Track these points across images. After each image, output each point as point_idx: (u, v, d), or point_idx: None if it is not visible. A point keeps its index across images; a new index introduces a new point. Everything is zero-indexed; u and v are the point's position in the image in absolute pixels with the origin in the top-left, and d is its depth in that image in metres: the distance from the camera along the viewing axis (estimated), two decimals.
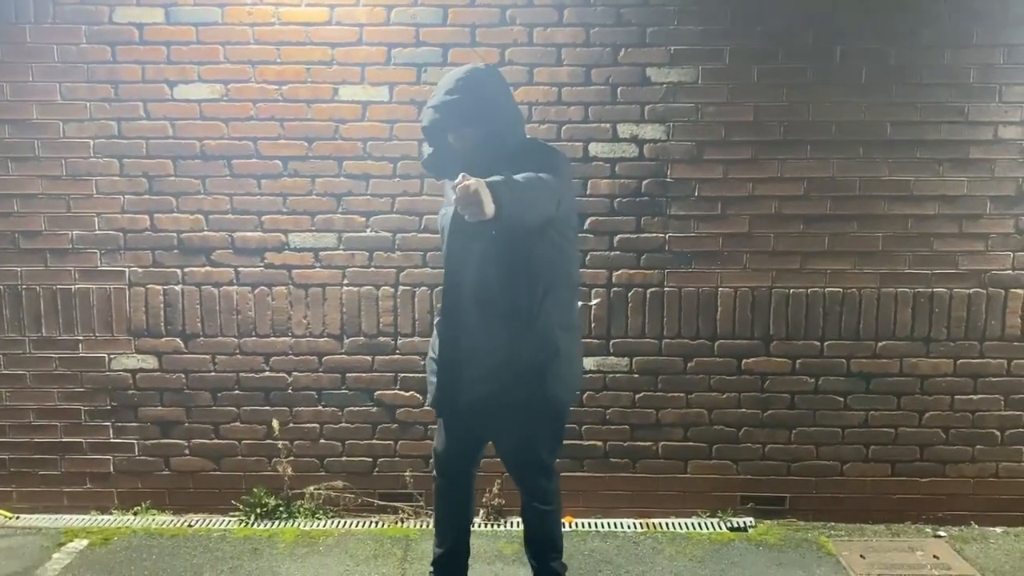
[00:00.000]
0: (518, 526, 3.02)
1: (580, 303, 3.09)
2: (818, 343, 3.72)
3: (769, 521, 3.78)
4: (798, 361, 3.72)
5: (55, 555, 3.47)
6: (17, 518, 3.82)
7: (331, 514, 3.82)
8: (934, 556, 3.49)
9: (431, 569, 3.03)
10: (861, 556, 3.48)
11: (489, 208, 2.20)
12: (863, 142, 3.63)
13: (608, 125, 3.64)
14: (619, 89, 3.62)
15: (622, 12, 3.58)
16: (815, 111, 3.62)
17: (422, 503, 3.78)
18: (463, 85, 2.61)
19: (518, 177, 2.42)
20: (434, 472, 3.01)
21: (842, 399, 3.74)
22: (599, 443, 3.79)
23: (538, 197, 2.46)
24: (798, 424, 3.76)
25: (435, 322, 2.88)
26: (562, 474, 3.62)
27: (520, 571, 3.17)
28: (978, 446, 3.76)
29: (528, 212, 2.41)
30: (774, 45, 3.59)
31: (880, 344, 3.71)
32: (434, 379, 2.80)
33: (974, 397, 3.73)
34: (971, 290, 3.68)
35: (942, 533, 3.72)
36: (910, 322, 3.70)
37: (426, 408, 3.04)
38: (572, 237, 2.77)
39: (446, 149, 2.71)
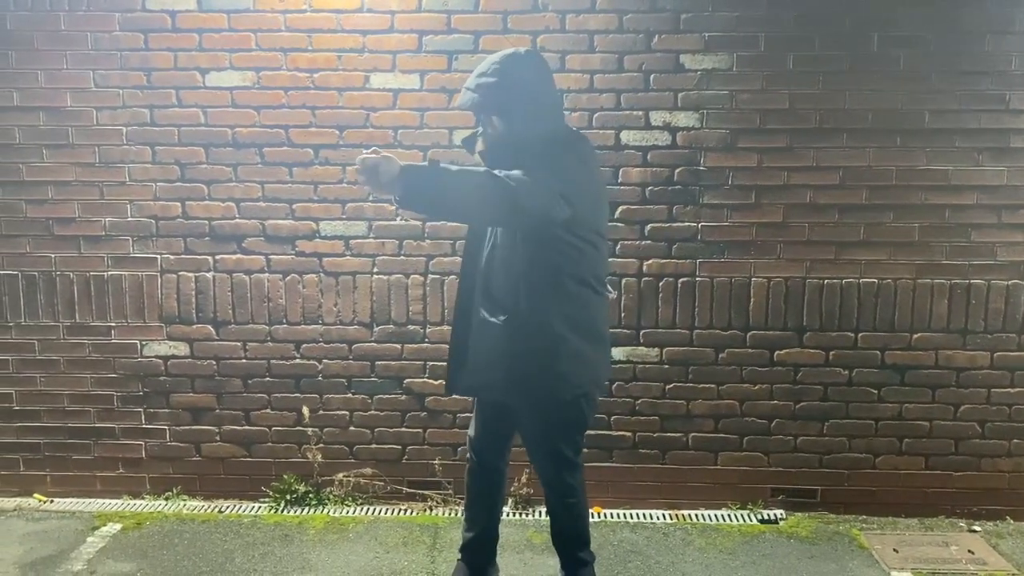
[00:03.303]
0: (547, 515, 3.02)
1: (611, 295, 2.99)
2: (852, 334, 3.67)
3: (800, 514, 3.75)
4: (831, 353, 3.68)
5: (89, 538, 3.51)
6: (51, 502, 3.86)
7: (360, 501, 3.83)
8: (969, 551, 3.45)
9: (459, 556, 3.04)
10: (894, 550, 3.44)
11: (381, 184, 2.26)
12: (900, 131, 3.57)
13: (641, 113, 3.60)
14: (652, 76, 3.58)
15: None
16: (851, 99, 3.56)
17: (451, 491, 3.78)
18: (497, 70, 2.57)
19: (466, 169, 2.48)
20: (469, 453, 3.01)
21: (876, 391, 3.70)
22: (628, 434, 3.77)
23: (473, 195, 2.37)
24: (831, 416, 3.72)
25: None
26: (591, 464, 3.64)
27: (549, 560, 3.16)
28: (1015, 440, 3.70)
29: (447, 204, 2.39)
30: (810, 32, 3.54)
31: (915, 336, 3.66)
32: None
33: (1011, 390, 3.67)
34: (1009, 282, 3.62)
35: (976, 528, 3.67)
36: (946, 314, 3.65)
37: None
38: (591, 236, 2.64)
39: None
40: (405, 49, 3.61)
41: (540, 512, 3.72)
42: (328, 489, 3.83)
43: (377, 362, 3.78)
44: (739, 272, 3.66)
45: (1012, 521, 3.72)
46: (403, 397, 3.80)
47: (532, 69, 2.65)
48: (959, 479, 3.74)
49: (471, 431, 2.98)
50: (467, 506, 3.05)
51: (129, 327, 3.79)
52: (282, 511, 3.77)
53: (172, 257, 3.75)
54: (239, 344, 3.79)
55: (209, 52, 3.64)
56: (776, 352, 3.69)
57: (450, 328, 2.85)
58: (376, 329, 3.76)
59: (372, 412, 3.81)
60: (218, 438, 3.85)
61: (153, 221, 3.74)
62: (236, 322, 3.77)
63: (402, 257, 3.72)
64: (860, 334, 3.67)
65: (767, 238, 3.64)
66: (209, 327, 3.78)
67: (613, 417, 3.76)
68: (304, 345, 3.78)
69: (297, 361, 3.79)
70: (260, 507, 3.82)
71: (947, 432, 3.71)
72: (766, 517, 3.71)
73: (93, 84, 3.66)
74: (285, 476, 3.83)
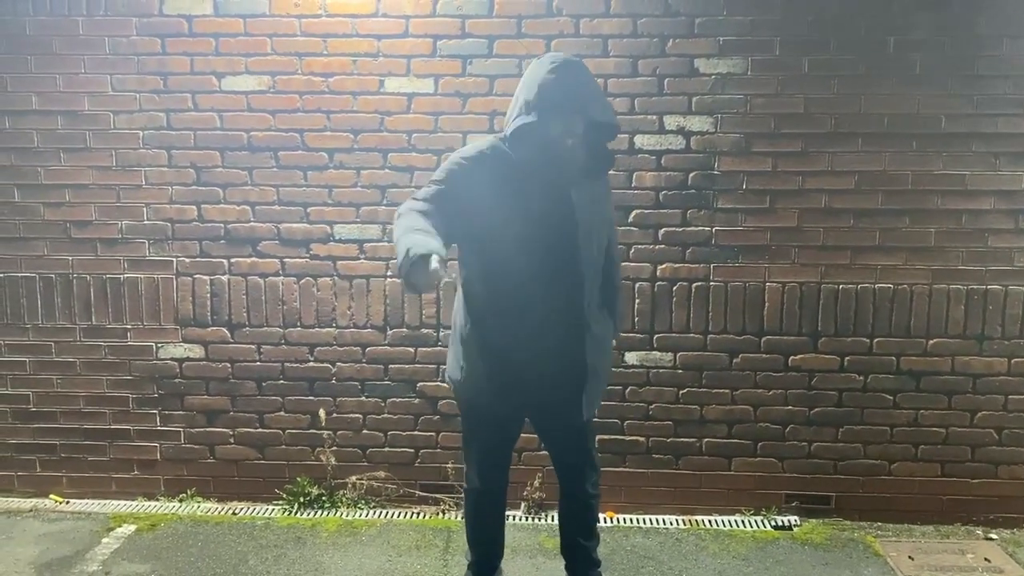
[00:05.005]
0: (559, 520, 3.03)
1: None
2: (867, 340, 3.65)
3: (815, 520, 3.72)
4: (846, 358, 3.66)
5: (104, 539, 3.53)
6: (67, 503, 3.89)
7: (373, 504, 3.84)
8: (985, 559, 3.42)
9: (467, 566, 3.05)
10: (909, 557, 3.42)
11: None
12: (916, 135, 3.55)
13: (655, 117, 3.60)
14: (666, 80, 3.58)
15: (670, 2, 3.53)
16: (867, 103, 3.55)
17: (463, 495, 3.77)
18: (588, 75, 2.56)
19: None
20: (470, 487, 2.94)
21: (891, 397, 3.67)
22: (641, 439, 3.76)
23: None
24: (845, 422, 3.70)
25: (475, 327, 2.69)
26: (604, 469, 3.61)
27: (560, 565, 3.14)
28: None
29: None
30: (826, 36, 3.52)
31: (931, 342, 3.63)
32: (486, 382, 2.69)
33: None
34: None
35: (993, 536, 3.63)
36: (963, 319, 3.62)
37: (469, 413, 2.91)
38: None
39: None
40: (419, 53, 3.62)
41: (552, 516, 3.71)
42: (341, 492, 3.84)
43: (390, 365, 3.79)
44: (753, 277, 3.65)
45: None
46: (416, 400, 3.81)
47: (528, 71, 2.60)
48: (976, 486, 3.70)
49: (480, 457, 2.86)
50: (472, 537, 3.00)
51: (145, 329, 3.82)
52: (295, 513, 3.78)
53: (187, 260, 3.77)
54: (253, 347, 3.80)
55: (225, 56, 3.66)
56: (791, 357, 3.68)
57: (492, 342, 2.64)
58: (390, 332, 3.77)
59: (385, 415, 3.82)
60: (232, 440, 3.87)
61: (169, 224, 3.76)
62: (251, 325, 3.79)
63: None
64: (875, 339, 3.65)
65: (781, 243, 3.63)
66: (224, 330, 3.80)
67: (626, 422, 3.75)
68: (318, 348, 3.79)
69: (311, 364, 3.80)
70: (273, 509, 3.83)
71: (963, 439, 3.68)
72: (780, 523, 3.69)
73: (110, 88, 3.70)
74: (299, 479, 3.84)
